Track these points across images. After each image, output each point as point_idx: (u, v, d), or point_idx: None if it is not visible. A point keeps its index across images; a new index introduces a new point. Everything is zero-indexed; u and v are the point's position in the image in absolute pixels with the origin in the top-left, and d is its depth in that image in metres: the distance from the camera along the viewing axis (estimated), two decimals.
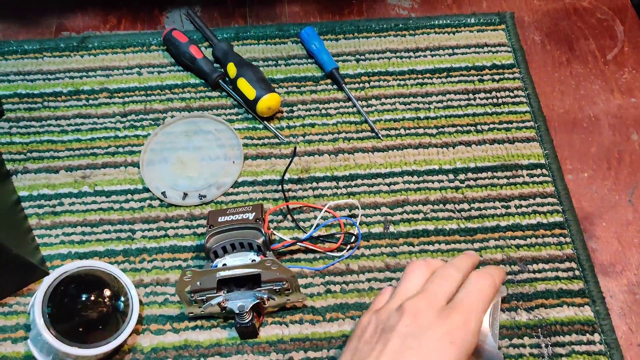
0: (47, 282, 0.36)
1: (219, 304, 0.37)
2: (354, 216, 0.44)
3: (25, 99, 0.51)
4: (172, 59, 0.53)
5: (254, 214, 0.40)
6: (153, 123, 0.49)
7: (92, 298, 0.36)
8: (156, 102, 0.51)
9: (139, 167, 0.46)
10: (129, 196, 0.45)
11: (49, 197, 0.45)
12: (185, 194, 0.45)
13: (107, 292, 0.37)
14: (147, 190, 0.46)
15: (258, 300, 0.37)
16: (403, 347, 0.30)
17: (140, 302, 0.40)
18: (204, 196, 0.45)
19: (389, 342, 0.31)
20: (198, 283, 0.37)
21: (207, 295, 0.38)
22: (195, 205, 0.45)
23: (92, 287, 0.37)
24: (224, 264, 0.38)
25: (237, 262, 0.38)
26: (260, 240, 0.39)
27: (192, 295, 0.38)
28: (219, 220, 0.40)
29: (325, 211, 0.44)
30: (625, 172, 0.48)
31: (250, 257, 0.39)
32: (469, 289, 0.33)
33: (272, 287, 0.38)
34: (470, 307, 0.32)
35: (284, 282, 0.37)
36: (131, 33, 0.55)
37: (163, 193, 0.45)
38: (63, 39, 0.55)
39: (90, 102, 0.51)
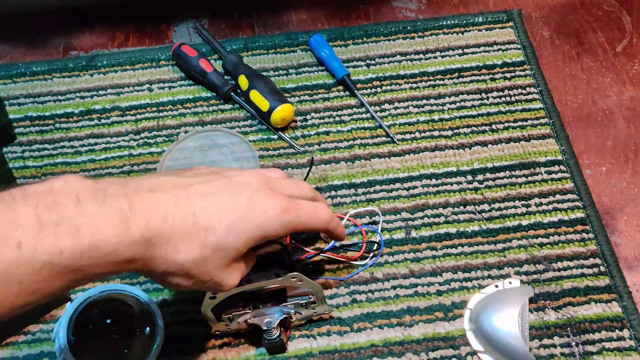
0: (70, 309, 0.36)
1: (245, 321, 0.37)
2: (375, 223, 0.44)
3: (36, 122, 0.51)
4: (183, 74, 0.53)
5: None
6: (167, 139, 0.49)
7: (117, 323, 0.36)
8: (169, 117, 0.51)
9: None
10: None
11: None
12: None
13: (131, 316, 0.37)
14: None
15: (285, 316, 0.37)
16: (226, 186, 0.31)
17: (165, 323, 0.40)
18: None
19: (220, 180, 0.31)
20: (223, 302, 0.37)
21: (233, 313, 0.38)
22: None
23: (116, 311, 0.37)
24: (248, 280, 0.38)
25: (260, 278, 0.38)
26: (283, 254, 0.39)
27: (219, 314, 0.37)
28: None
29: (347, 220, 0.44)
30: None
31: (274, 271, 0.39)
32: (311, 203, 0.34)
33: (298, 301, 0.38)
34: (298, 208, 0.32)
35: (310, 296, 0.37)
36: (140, 49, 0.55)
37: None
38: (71, 58, 0.55)
39: (103, 121, 0.51)
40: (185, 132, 0.50)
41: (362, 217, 0.45)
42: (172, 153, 0.48)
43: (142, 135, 0.50)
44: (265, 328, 0.37)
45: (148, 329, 0.37)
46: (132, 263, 0.27)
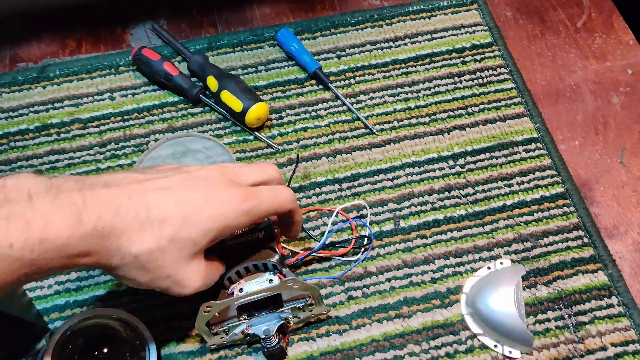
0: (52, 343, 0.33)
1: (242, 331, 0.36)
2: (363, 216, 0.43)
3: None
4: (145, 79, 0.50)
5: (263, 232, 0.39)
6: (136, 150, 0.46)
7: (105, 351, 0.34)
8: (135, 126, 0.48)
9: None
10: None
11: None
12: None
13: (120, 340, 0.34)
14: None
15: (282, 321, 0.36)
16: (183, 180, 0.31)
17: (157, 342, 0.38)
18: None
19: (178, 174, 0.31)
20: (217, 314, 0.35)
21: (229, 325, 0.36)
22: None
23: (103, 337, 0.34)
24: (241, 289, 0.37)
25: (254, 286, 0.36)
26: (275, 259, 0.37)
27: (213, 327, 0.36)
28: (228, 244, 0.38)
29: (337, 214, 0.43)
30: (612, 135, 0.50)
31: (267, 277, 0.37)
32: (271, 187, 0.34)
33: (295, 305, 0.36)
34: (258, 195, 0.32)
35: (307, 298, 0.36)
36: (95, 56, 0.52)
37: None
38: (20, 71, 0.50)
39: (62, 135, 0.47)
40: (155, 140, 0.47)
41: (349, 211, 0.44)
42: (143, 163, 0.45)
43: (109, 147, 0.46)
44: (264, 336, 0.35)
45: (139, 351, 0.35)
46: (85, 256, 0.27)
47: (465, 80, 0.52)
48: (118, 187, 0.29)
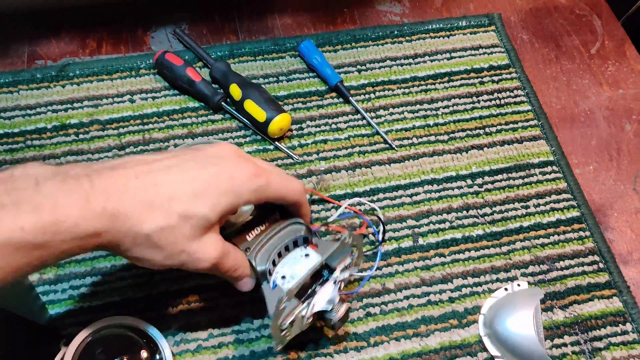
0: (71, 352, 0.32)
1: (305, 316, 0.34)
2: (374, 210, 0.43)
3: (4, 140, 0.45)
4: (166, 83, 0.50)
5: (277, 213, 0.36)
6: None
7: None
8: (155, 130, 0.47)
9: None
10: None
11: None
12: None
13: (139, 350, 0.34)
14: None
15: (339, 285, 0.35)
16: (192, 158, 0.31)
17: (172, 354, 0.37)
18: None
19: (188, 154, 0.31)
20: (284, 307, 0.32)
21: (295, 315, 0.33)
22: None
23: (122, 347, 0.34)
24: (283, 276, 0.34)
25: (296, 268, 0.33)
26: (302, 232, 0.35)
27: (283, 324, 0.33)
28: (248, 239, 0.35)
29: (350, 208, 0.42)
30: (626, 162, 0.51)
31: (300, 253, 0.34)
32: (283, 173, 0.34)
33: (342, 264, 0.35)
34: (268, 175, 0.32)
35: (353, 252, 0.35)
36: (116, 57, 0.51)
37: None
38: (39, 68, 0.50)
39: (81, 136, 0.46)
40: (175, 145, 0.46)
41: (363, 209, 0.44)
42: None
43: (127, 150, 0.46)
44: (331, 307, 0.34)
45: None
46: (97, 237, 0.27)
47: (483, 100, 0.52)
48: (125, 169, 0.28)
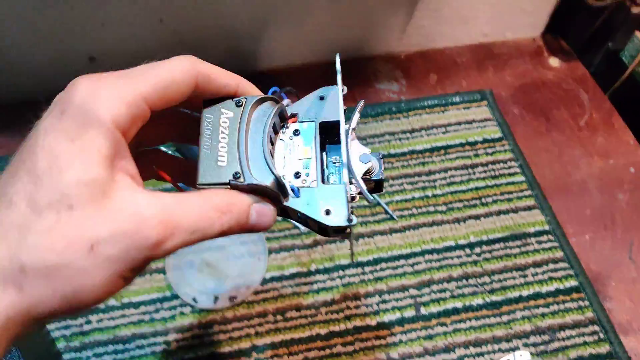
0: None
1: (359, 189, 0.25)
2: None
3: None
4: None
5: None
6: None
7: None
8: None
9: (164, 273, 0.46)
10: (159, 305, 0.44)
11: (74, 316, 0.43)
12: (216, 297, 0.44)
13: None
14: (175, 297, 0.44)
15: (354, 128, 0.26)
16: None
17: None
18: (235, 297, 0.44)
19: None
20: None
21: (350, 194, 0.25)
22: (227, 308, 0.44)
23: None
24: (296, 174, 0.25)
25: (300, 153, 0.25)
26: (272, 112, 0.24)
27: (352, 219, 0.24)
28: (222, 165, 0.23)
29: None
30: (620, 231, 0.52)
31: (289, 135, 0.26)
32: None
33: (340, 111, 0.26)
34: None
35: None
36: None
37: (194, 299, 0.44)
38: None
39: None
40: None
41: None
42: None
43: None
44: (368, 162, 0.26)
45: None
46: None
47: (478, 171, 0.55)
48: None
